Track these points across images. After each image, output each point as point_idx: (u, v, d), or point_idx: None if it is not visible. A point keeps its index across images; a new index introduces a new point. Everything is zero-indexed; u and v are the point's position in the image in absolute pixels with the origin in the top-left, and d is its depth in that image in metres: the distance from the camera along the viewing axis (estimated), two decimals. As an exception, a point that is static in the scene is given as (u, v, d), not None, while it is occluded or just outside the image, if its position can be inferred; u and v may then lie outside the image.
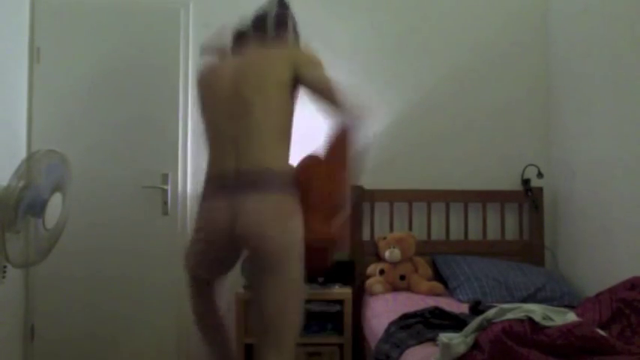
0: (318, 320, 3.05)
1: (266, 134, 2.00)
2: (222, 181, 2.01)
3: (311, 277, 2.98)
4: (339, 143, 1.98)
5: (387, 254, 3.14)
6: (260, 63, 2.07)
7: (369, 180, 3.31)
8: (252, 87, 2.02)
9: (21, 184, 2.52)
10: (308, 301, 2.67)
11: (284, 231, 1.94)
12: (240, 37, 2.20)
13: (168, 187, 3.31)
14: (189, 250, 2.19)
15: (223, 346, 2.28)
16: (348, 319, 2.99)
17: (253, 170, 1.96)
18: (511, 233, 3.44)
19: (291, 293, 1.99)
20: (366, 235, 3.35)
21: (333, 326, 3.06)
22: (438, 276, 3.18)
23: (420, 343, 2.12)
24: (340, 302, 3.02)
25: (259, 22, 2.18)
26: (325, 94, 2.01)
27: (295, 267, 1.97)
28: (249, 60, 2.10)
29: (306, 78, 2.04)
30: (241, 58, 2.13)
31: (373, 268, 3.17)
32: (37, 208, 2.56)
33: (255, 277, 2.01)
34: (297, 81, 2.05)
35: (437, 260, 3.27)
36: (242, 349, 3.00)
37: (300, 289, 2.01)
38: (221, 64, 2.18)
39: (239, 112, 2.02)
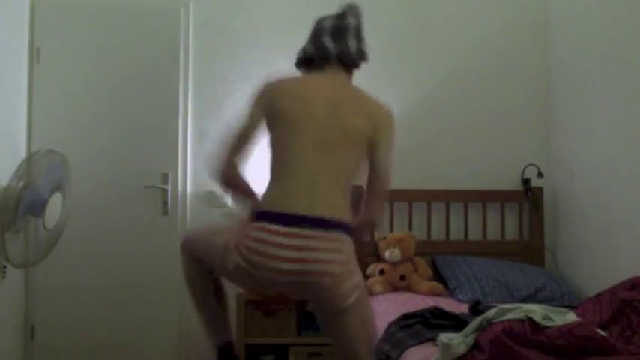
0: (318, 320, 3.04)
1: (342, 183, 1.89)
2: (291, 219, 1.80)
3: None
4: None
5: (387, 254, 3.14)
6: (353, 105, 1.95)
7: (369, 180, 3.31)
8: (345, 125, 1.88)
9: (21, 184, 2.53)
10: (308, 302, 2.67)
11: (353, 274, 1.86)
12: (322, 59, 2.00)
13: (168, 187, 3.31)
14: (224, 263, 1.91)
15: (224, 319, 2.17)
16: (348, 319, 2.98)
17: (327, 218, 1.81)
18: (511, 233, 3.44)
19: (371, 319, 2.00)
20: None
21: (333, 326, 3.05)
22: (438, 276, 3.18)
23: (420, 343, 2.12)
24: (340, 302, 3.01)
25: (341, 37, 2.00)
26: (381, 183, 1.97)
27: (365, 296, 1.95)
28: (344, 95, 1.96)
29: (378, 157, 1.95)
30: (333, 86, 1.96)
31: (373, 268, 3.17)
32: (37, 208, 2.56)
33: (334, 320, 1.89)
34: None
35: (437, 260, 3.26)
36: (242, 349, 3.00)
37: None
38: (310, 82, 1.99)
39: (328, 147, 1.85)
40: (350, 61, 2.02)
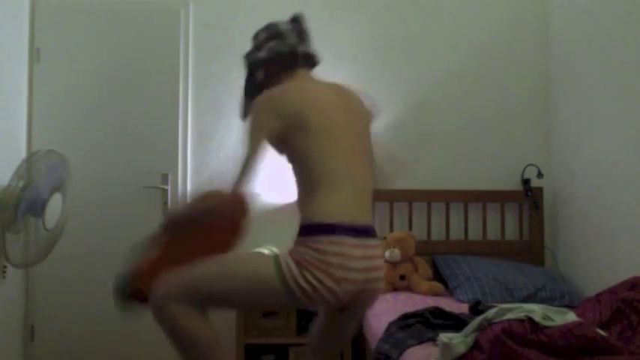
0: (318, 320, 3.04)
1: (370, 187, 1.93)
2: (358, 230, 1.80)
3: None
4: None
5: (387, 254, 3.13)
6: (356, 101, 1.98)
7: (369, 180, 3.31)
8: (360, 126, 1.93)
9: (21, 184, 2.53)
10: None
11: None
12: (296, 61, 1.97)
13: (168, 187, 3.31)
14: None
15: None
16: (348, 319, 2.99)
17: (373, 226, 1.89)
18: (511, 233, 3.44)
19: None
20: (366, 235, 3.34)
21: (333, 326, 3.05)
22: (438, 276, 3.18)
23: (420, 343, 2.12)
24: (340, 302, 3.01)
25: (306, 40, 2.01)
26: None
27: None
28: (347, 94, 1.96)
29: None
30: (328, 89, 1.93)
31: (373, 268, 3.16)
32: (37, 208, 2.56)
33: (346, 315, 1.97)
34: None
35: (437, 260, 3.27)
36: (242, 348, 3.00)
37: None
38: (310, 86, 1.93)
39: (358, 153, 1.89)
40: (317, 63, 2.03)
